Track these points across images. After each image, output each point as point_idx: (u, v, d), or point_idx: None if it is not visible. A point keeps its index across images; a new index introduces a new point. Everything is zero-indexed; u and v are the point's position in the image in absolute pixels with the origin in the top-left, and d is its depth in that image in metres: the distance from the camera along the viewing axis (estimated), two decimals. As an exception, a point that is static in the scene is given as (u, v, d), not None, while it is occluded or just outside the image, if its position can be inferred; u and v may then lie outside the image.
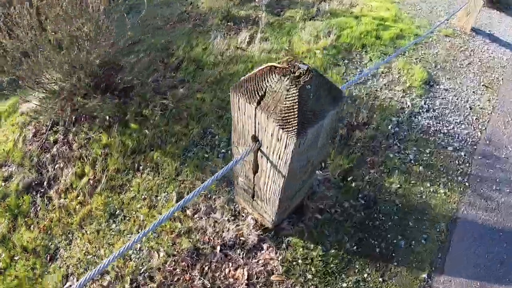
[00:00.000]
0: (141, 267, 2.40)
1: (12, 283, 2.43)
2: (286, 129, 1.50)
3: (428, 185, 2.84)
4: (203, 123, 3.24)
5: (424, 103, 3.52)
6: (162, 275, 2.34)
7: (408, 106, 3.45)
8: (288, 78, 1.54)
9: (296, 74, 1.55)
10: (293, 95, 1.50)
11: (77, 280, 2.39)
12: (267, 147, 1.75)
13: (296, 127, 1.49)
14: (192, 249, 2.43)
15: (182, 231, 2.52)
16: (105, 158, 2.96)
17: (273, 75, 1.58)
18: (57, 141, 3.15)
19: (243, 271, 2.35)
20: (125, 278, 2.37)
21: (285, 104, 1.51)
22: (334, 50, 4.00)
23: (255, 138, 1.80)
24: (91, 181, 2.84)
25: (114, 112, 3.25)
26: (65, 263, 2.49)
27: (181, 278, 2.33)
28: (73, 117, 3.15)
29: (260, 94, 1.58)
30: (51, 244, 2.59)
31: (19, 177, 2.95)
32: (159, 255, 2.44)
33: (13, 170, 3.03)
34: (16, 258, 2.55)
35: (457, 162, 3.05)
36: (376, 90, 3.58)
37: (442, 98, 3.63)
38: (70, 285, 2.39)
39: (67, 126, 3.19)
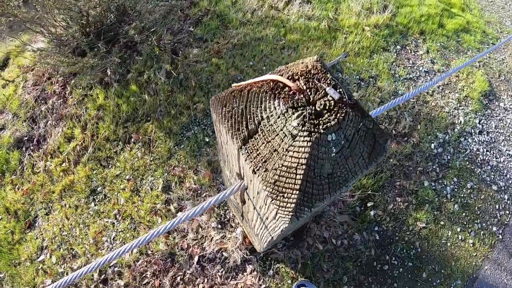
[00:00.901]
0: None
1: (-12, 244, 2.16)
2: (278, 204, 0.85)
3: (458, 230, 2.13)
4: (212, 97, 2.56)
5: (479, 122, 2.61)
6: (131, 274, 1.93)
7: (460, 122, 2.56)
8: (299, 114, 0.82)
9: (317, 107, 0.82)
10: (302, 149, 0.80)
11: (50, 257, 2.05)
12: (253, 198, 1.09)
13: (293, 206, 0.82)
14: (168, 253, 1.97)
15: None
16: (97, 123, 2.44)
17: (276, 100, 0.86)
18: (54, 93, 2.63)
19: (218, 291, 1.87)
20: (93, 267, 1.98)
21: (284, 160, 0.82)
22: (387, 31, 3.00)
23: (240, 176, 1.13)
24: (78, 147, 2.37)
25: (116, 68, 2.62)
26: (42, 234, 2.16)
27: (150, 283, 1.91)
28: (74, 68, 2.57)
29: (250, 128, 0.90)
30: (31, 210, 2.25)
31: (12, 129, 2.54)
32: (132, 250, 2.00)
33: (8, 119, 2.63)
34: (-3, 217, 2.23)
35: (497, 206, 2.27)
36: (427, 93, 2.66)
37: (500, 120, 2.68)
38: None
39: (66, 78, 2.65)
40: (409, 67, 2.86)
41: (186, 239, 2.03)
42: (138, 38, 2.58)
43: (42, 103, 2.64)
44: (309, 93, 0.85)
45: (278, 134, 0.83)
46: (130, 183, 2.24)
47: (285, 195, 0.83)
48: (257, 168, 0.87)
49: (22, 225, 2.22)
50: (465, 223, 2.17)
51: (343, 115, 0.82)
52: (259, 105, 0.88)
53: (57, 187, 2.29)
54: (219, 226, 2.05)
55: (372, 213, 2.10)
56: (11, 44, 3.25)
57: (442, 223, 2.14)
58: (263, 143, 0.86)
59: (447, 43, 3.10)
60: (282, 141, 0.82)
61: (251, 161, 0.88)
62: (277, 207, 0.85)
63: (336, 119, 0.81)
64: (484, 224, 2.19)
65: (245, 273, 1.94)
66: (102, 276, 1.99)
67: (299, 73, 0.90)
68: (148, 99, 2.54)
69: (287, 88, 0.87)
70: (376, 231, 2.06)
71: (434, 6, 3.37)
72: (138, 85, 2.59)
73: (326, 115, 0.81)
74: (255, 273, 1.93)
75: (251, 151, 0.88)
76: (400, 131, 2.41)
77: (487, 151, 2.48)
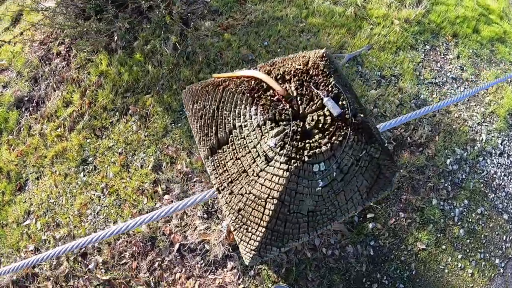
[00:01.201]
0: (93, 233, 1.89)
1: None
2: (240, 237, 0.65)
3: (459, 257, 1.91)
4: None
5: (501, 143, 2.30)
6: (110, 252, 1.84)
7: (482, 139, 2.25)
8: (279, 131, 0.60)
9: (306, 123, 0.60)
10: (276, 178, 0.60)
11: (35, 222, 1.98)
12: (224, 211, 0.88)
13: (257, 244, 0.62)
14: (149, 237, 1.86)
15: (145, 210, 1.91)
16: (97, 90, 2.28)
17: (253, 107, 0.64)
18: (59, 55, 2.47)
19: (194, 283, 1.75)
20: (76, 238, 1.90)
21: (253, 187, 0.61)
22: (418, 27, 2.63)
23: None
24: (75, 114, 2.24)
25: (123, 34, 2.40)
26: (30, 199, 2.09)
27: (127, 264, 1.82)
28: (77, 31, 2.37)
29: (219, 136, 0.69)
30: (23, 173, 2.17)
31: (14, 88, 2.42)
32: (114, 228, 1.89)
33: (12, 77, 2.53)
34: (-10, 176, 2.17)
35: (504, 237, 2.03)
36: (455, 101, 2.31)
37: (523, 144, 2.32)
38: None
39: (72, 40, 2.45)
40: (436, 71, 2.50)
41: (169, 225, 1.89)
42: (147, 4, 2.33)
43: (46, 63, 2.49)
44: (299, 102, 0.61)
45: (250, 152, 0.61)
46: (122, 157, 2.10)
47: (249, 229, 0.63)
48: (222, 187, 0.66)
49: (13, 186, 2.15)
50: (467, 250, 1.93)
51: (340, 138, 0.58)
52: (232, 109, 0.66)
53: (50, 152, 2.18)
54: (205, 216, 1.89)
55: (370, 225, 1.89)
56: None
57: (443, 247, 1.90)
58: (232, 159, 0.64)
59: (480, 50, 2.70)
60: (253, 162, 0.61)
61: (217, 177, 0.67)
62: (239, 239, 0.66)
63: (329, 144, 0.57)
64: (487, 255, 1.94)
65: (225, 269, 1.80)
66: (82, 250, 1.91)
67: (292, 72, 0.65)
68: (152, 70, 2.33)
69: (271, 91, 0.63)
70: (372, 246, 1.85)
71: (471, 9, 2.93)
72: (143, 54, 2.38)
73: (316, 137, 0.58)
74: (235, 270, 1.78)
75: (218, 165, 0.67)
76: (416, 140, 2.12)
77: (504, 175, 2.17)
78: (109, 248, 1.88)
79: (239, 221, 0.65)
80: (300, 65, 0.68)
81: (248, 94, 0.64)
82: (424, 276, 1.84)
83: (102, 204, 2.01)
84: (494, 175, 2.17)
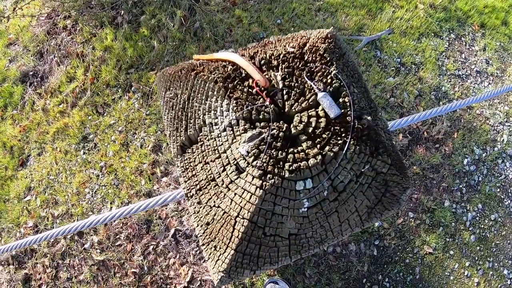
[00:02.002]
0: (90, 213, 1.85)
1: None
2: (208, 254, 0.52)
3: (467, 264, 1.74)
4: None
5: None
6: (106, 233, 1.79)
7: (503, 140, 2.01)
8: (253, 136, 0.44)
9: (292, 126, 0.44)
10: (247, 195, 0.44)
11: (35, 199, 1.95)
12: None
13: (225, 266, 0.50)
14: (145, 220, 1.79)
15: (142, 192, 1.84)
16: (100, 65, 2.17)
17: (225, 100, 0.49)
18: (65, 28, 2.35)
19: (188, 270, 1.69)
20: (73, 216, 1.86)
21: (222, 201, 0.47)
22: (443, 14, 2.34)
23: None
24: (78, 89, 2.16)
25: (129, 7, 2.24)
26: (31, 175, 2.06)
27: (122, 246, 1.77)
28: (79, 3, 2.22)
29: (189, 132, 0.53)
30: (25, 149, 2.14)
31: (20, 62, 2.35)
32: (111, 208, 1.83)
33: (18, 51, 2.46)
34: (-5, 150, 2.14)
35: None
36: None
37: (547, 149, 2.06)
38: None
39: (78, 13, 2.32)
40: (460, 62, 2.22)
41: (166, 209, 1.81)
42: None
43: (52, 37, 2.38)
44: (285, 97, 0.45)
45: (220, 157, 0.47)
46: (122, 135, 2.00)
47: (217, 247, 0.50)
48: (190, 194, 0.53)
49: (16, 162, 2.11)
50: (476, 258, 1.75)
51: (335, 149, 0.42)
52: (203, 101, 0.51)
53: (52, 128, 2.11)
54: (202, 203, 1.80)
55: (377, 224, 1.74)
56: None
57: (451, 252, 1.74)
58: (201, 162, 0.51)
59: (508, 44, 2.38)
60: (223, 170, 0.47)
61: (186, 181, 0.54)
62: (207, 256, 0.53)
63: (320, 156, 0.41)
64: (496, 264, 1.76)
65: (219, 259, 1.72)
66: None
67: (281, 56, 0.49)
68: (157, 45, 2.18)
69: (250, 81, 0.47)
70: (376, 246, 1.71)
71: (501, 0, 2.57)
72: (149, 29, 2.22)
73: (304, 145, 0.42)
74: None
75: (187, 167, 0.54)
76: (433, 135, 1.90)
77: (524, 181, 1.94)
78: (105, 229, 1.83)
79: (207, 236, 0.52)
80: (294, 48, 0.51)
81: (221, 84, 0.48)
82: (428, 281, 1.70)
83: (100, 183, 1.94)
84: (513, 180, 1.95)
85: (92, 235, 1.83)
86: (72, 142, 2.05)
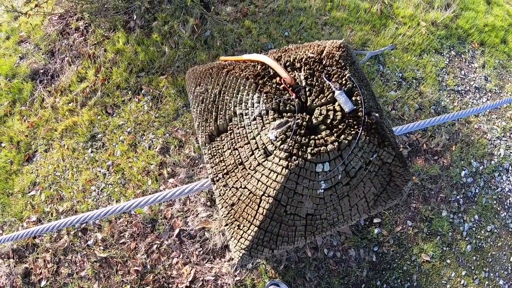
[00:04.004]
0: (95, 210, 1.89)
1: (-10, 168, 2.15)
2: (231, 233, 0.60)
3: (463, 273, 1.80)
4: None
5: None
6: (110, 230, 1.83)
7: (499, 154, 2.11)
8: (281, 123, 0.53)
9: (313, 117, 0.53)
10: (274, 175, 0.53)
11: (40, 194, 2.00)
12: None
13: (247, 243, 0.57)
14: (150, 219, 1.84)
15: (149, 192, 1.90)
16: (111, 67, 2.26)
17: (256, 94, 0.57)
18: (77, 30, 2.46)
19: (191, 270, 1.73)
20: (78, 213, 1.90)
21: (248, 182, 0.56)
22: (444, 31, 2.49)
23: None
24: (88, 89, 2.24)
25: (142, 13, 2.36)
26: (37, 170, 2.11)
27: (126, 244, 1.81)
28: (93, 6, 2.34)
29: (219, 122, 0.63)
30: (32, 144, 2.20)
31: (31, 60, 2.43)
32: (116, 207, 1.89)
33: (29, 49, 2.54)
34: (2, 145, 2.19)
35: (511, 259, 1.87)
36: (477, 111, 2.17)
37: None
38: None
39: (91, 16, 2.43)
40: (459, 78, 2.35)
41: (171, 209, 1.87)
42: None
43: (64, 38, 2.48)
44: (307, 94, 0.55)
45: (248, 143, 0.55)
46: (130, 136, 2.08)
47: (241, 226, 0.57)
48: (217, 178, 0.61)
49: (22, 157, 2.17)
50: (472, 267, 1.82)
51: (349, 138, 0.51)
52: (234, 95, 0.60)
53: (60, 126, 2.18)
54: (208, 203, 1.86)
55: (376, 231, 1.81)
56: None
57: (448, 261, 1.81)
58: (229, 148, 0.59)
59: (506, 62, 2.53)
60: (251, 154, 0.55)
61: (212, 167, 0.62)
62: (230, 236, 0.61)
63: (337, 143, 0.51)
64: (492, 274, 1.83)
65: (222, 259, 1.77)
66: (83, 225, 1.91)
67: (303, 60, 0.59)
68: (168, 51, 2.29)
69: (277, 78, 0.57)
70: (375, 252, 1.78)
71: (501, 18, 2.75)
72: (161, 35, 2.34)
73: (323, 133, 0.51)
74: (233, 262, 1.75)
75: (215, 153, 0.62)
76: (432, 147, 2.00)
77: (520, 194, 2.03)
78: (109, 226, 1.88)
79: (232, 217, 0.59)
80: (313, 53, 0.61)
81: (252, 80, 0.58)
82: (426, 289, 1.76)
83: (107, 182, 2.00)
84: (509, 193, 2.04)
85: (96, 232, 1.88)
86: (80, 140, 2.12)
